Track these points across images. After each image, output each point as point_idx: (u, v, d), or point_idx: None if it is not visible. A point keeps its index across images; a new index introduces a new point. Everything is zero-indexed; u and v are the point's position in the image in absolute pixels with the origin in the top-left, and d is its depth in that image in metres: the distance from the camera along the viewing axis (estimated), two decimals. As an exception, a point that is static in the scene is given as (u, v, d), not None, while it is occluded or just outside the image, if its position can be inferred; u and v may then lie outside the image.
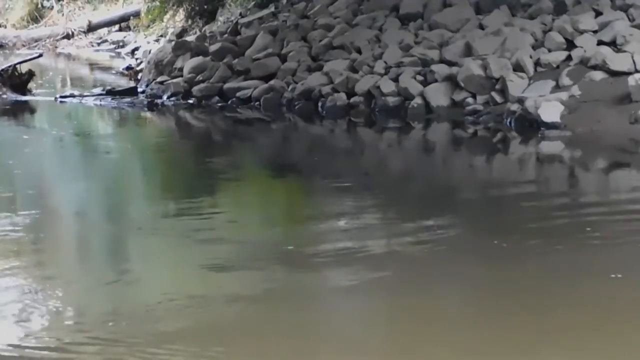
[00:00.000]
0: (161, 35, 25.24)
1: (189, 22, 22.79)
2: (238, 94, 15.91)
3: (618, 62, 12.85)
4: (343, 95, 14.54)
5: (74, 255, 7.63)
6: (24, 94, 17.92)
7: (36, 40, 28.94)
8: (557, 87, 12.96)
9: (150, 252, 7.57)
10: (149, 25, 27.33)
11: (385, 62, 14.65)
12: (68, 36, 29.44)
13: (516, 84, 13.13)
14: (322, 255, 7.15)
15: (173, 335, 5.53)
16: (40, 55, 21.93)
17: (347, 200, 9.12)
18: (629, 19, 13.88)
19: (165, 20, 25.66)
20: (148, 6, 26.66)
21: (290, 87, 15.35)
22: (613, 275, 6.38)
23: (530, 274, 6.54)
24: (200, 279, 6.69)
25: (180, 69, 17.31)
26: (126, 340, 5.45)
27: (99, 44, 29.73)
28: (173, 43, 18.63)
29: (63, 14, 30.63)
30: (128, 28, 29.45)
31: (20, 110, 16.76)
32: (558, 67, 13.42)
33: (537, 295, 6.10)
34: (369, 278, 6.56)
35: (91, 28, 29.76)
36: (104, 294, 6.39)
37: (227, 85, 16.24)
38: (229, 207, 9.18)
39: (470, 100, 13.49)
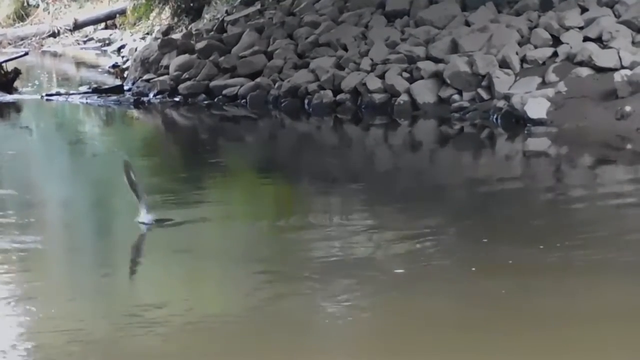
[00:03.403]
0: (147, 33, 25.22)
1: (175, 19, 22.78)
2: (224, 92, 15.88)
3: (604, 58, 12.88)
4: (329, 93, 14.53)
5: (47, 264, 7.37)
6: (10, 92, 17.85)
7: (22, 39, 28.83)
8: (543, 84, 12.98)
9: (126, 263, 7.38)
10: (135, 23, 27.31)
11: (372, 59, 14.65)
12: (54, 34, 29.36)
13: (502, 81, 13.13)
14: (312, 263, 6.98)
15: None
16: (26, 54, 21.91)
17: (336, 202, 9.08)
18: (614, 15, 13.88)
19: (151, 18, 25.63)
20: (134, 4, 26.63)
21: (277, 84, 15.34)
22: (608, 273, 6.41)
23: (523, 273, 6.52)
24: (178, 293, 6.44)
25: (167, 67, 17.27)
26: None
27: (85, 42, 29.67)
28: (159, 41, 18.60)
29: (49, 12, 30.54)
30: (114, 26, 29.40)
31: (6, 109, 16.69)
32: (544, 63, 13.42)
33: (533, 296, 6.09)
34: (364, 284, 6.45)
35: (77, 26, 29.68)
36: (80, 309, 6.08)
37: (213, 83, 16.21)
38: (213, 214, 8.79)
39: (456, 97, 13.49)
